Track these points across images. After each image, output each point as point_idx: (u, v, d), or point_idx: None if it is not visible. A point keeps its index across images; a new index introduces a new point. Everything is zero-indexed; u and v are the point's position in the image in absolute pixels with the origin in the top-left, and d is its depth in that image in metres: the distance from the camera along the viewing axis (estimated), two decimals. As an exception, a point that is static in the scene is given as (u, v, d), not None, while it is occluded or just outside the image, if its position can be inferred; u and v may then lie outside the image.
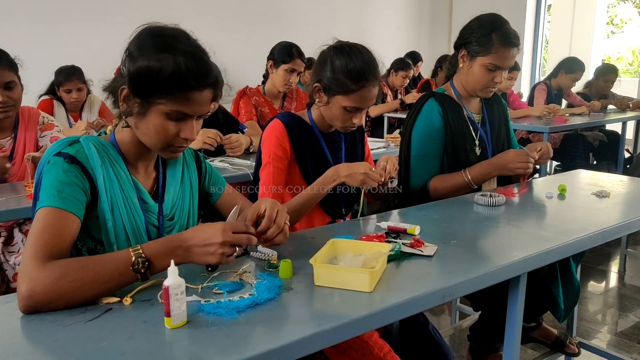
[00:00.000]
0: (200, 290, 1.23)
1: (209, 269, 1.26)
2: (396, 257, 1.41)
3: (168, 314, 1.05)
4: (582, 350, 2.51)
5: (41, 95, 3.79)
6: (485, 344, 2.29)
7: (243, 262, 1.40)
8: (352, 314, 1.12)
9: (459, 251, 1.49)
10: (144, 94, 1.26)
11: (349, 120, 1.83)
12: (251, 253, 1.45)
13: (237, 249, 1.23)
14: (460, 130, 2.29)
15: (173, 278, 1.06)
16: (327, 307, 1.17)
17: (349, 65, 1.75)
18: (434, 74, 5.98)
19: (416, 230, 1.61)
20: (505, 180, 2.43)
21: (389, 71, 5.64)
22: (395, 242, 1.52)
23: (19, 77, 2.42)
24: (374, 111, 5.31)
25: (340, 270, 1.24)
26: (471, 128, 2.32)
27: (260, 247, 1.47)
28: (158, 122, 1.28)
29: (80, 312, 1.11)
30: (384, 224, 1.67)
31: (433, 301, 1.26)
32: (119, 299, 1.16)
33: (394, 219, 1.79)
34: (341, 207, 1.98)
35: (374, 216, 1.84)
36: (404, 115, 5.24)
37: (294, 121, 1.91)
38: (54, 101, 3.76)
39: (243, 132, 3.01)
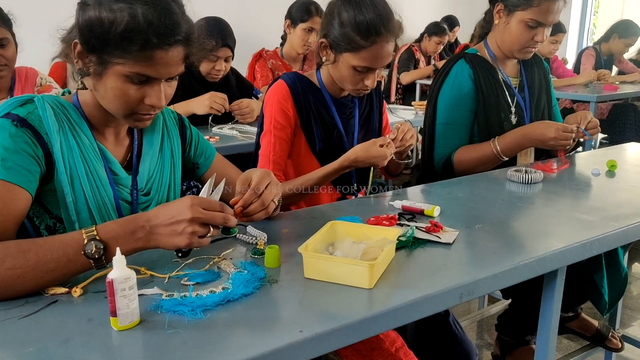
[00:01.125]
0: (167, 280, 1.03)
1: (180, 254, 1.06)
2: (408, 244, 1.19)
3: (114, 313, 0.86)
4: (624, 343, 2.24)
5: (54, 58, 3.63)
6: (515, 336, 2.06)
7: (226, 245, 1.20)
8: (344, 318, 0.90)
9: (485, 238, 1.25)
10: (97, 51, 1.05)
11: (360, 82, 1.59)
12: (237, 235, 1.24)
13: (212, 229, 1.02)
14: (494, 95, 2.01)
15: (119, 270, 0.86)
16: (315, 307, 0.96)
17: (357, 18, 1.50)
18: (473, 38, 5.60)
19: (435, 211, 1.38)
20: (543, 152, 2.16)
21: (422, 35, 5.30)
22: (409, 225, 1.29)
23: (12, 34, 2.25)
24: (406, 78, 5.01)
25: (333, 261, 1.02)
26: (507, 93, 2.04)
27: (249, 228, 1.27)
28: (117, 86, 1.07)
29: (18, 306, 0.93)
30: (397, 203, 1.44)
31: (447, 302, 1.03)
32: (67, 289, 0.98)
33: (412, 197, 1.55)
34: (353, 181, 1.75)
35: (390, 193, 1.61)
36: (437, 82, 4.92)
37: (300, 82, 1.67)
38: (68, 64, 3.60)
39: (257, 98, 2.78)
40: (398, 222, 1.31)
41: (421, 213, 1.39)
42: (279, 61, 3.18)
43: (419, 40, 5.33)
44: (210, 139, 2.27)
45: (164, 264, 1.10)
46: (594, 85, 4.16)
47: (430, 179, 1.94)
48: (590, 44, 5.92)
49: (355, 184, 1.75)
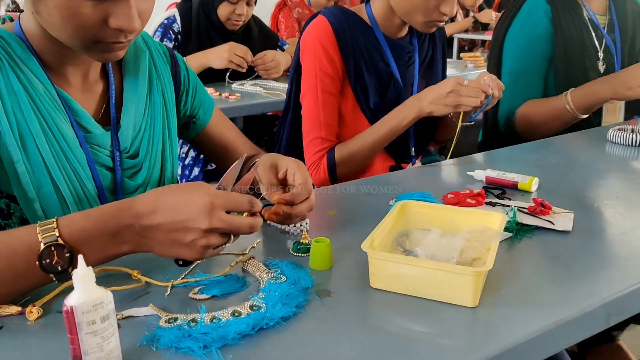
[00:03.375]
0: (169, 291, 0.71)
1: (180, 262, 0.73)
2: (512, 233, 0.84)
3: (78, 359, 0.53)
4: None
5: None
6: (598, 331, 1.71)
7: (254, 236, 0.86)
8: (444, 361, 0.57)
9: (613, 222, 0.90)
10: None
11: (435, 11, 1.22)
12: (269, 221, 0.90)
13: (233, 237, 0.69)
14: (578, 37, 1.61)
15: (85, 291, 0.53)
16: (393, 341, 0.61)
17: None
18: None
19: (533, 184, 1.02)
20: (634, 109, 1.77)
21: (461, -14, 4.83)
22: (504, 205, 0.94)
23: None
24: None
25: (416, 265, 0.67)
26: (593, 34, 1.65)
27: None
28: (63, 3, 0.71)
29: (-57, 336, 0.62)
30: (479, 173, 1.08)
31: (590, 327, 0.68)
32: (19, 308, 0.65)
33: (492, 164, 1.20)
34: (410, 145, 1.39)
35: (460, 160, 1.25)
36: (477, 36, 4.49)
37: (346, 19, 1.29)
38: None
39: (283, 50, 2.41)
40: (487, 200, 0.96)
41: (514, 187, 1.03)
42: (306, 10, 2.79)
43: (457, -10, 4.86)
44: (230, 97, 1.93)
45: (165, 264, 0.77)
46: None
47: (494, 142, 1.58)
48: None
49: (413, 149, 1.38)
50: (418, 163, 1.42)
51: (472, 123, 1.28)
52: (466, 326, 0.63)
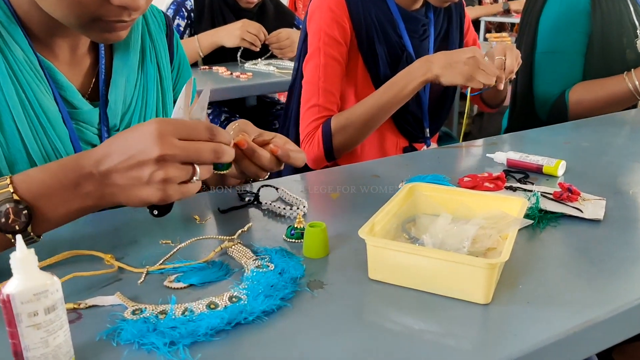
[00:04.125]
0: (143, 278, 0.63)
1: (155, 212, 0.66)
2: (533, 221, 0.74)
3: (19, 356, 0.46)
4: None
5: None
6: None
7: (243, 217, 0.79)
8: (448, 368, 0.48)
9: (650, 211, 0.80)
10: None
11: None
12: (264, 202, 0.83)
13: (200, 170, 0.62)
14: (616, 13, 1.49)
15: (25, 277, 0.45)
16: (388, 340, 0.53)
17: None
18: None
19: (560, 167, 0.92)
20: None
21: (489, -33, 4.64)
22: (526, 190, 0.84)
23: None
24: (471, 13, 4.39)
25: (421, 254, 0.58)
26: (632, 10, 1.52)
27: (281, 191, 0.85)
28: None
29: None
30: (500, 156, 0.98)
31: (623, 330, 0.59)
32: (-26, 294, 0.59)
33: (512, 146, 1.10)
34: (424, 124, 1.29)
35: (479, 142, 1.15)
36: (505, 19, 4.32)
37: None
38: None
39: (299, 29, 2.32)
40: (507, 184, 0.86)
41: (538, 171, 0.93)
42: (325, -12, 2.68)
43: (485, -28, 4.67)
44: (241, 76, 1.84)
45: (145, 245, 0.70)
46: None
47: (525, 126, 1.47)
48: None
49: (427, 129, 1.29)
50: (434, 145, 1.32)
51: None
52: (477, 326, 0.54)
